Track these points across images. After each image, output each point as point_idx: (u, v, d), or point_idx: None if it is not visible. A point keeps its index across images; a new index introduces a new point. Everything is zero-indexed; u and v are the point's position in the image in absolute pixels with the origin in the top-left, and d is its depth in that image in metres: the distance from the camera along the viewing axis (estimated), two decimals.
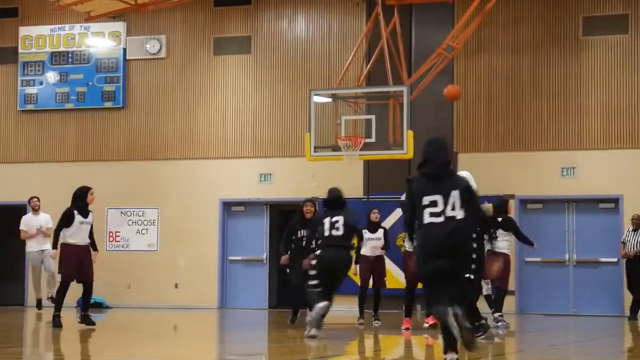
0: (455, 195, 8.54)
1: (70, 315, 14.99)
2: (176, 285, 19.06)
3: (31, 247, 17.66)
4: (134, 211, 19.49)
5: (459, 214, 8.54)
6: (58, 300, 14.50)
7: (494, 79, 18.18)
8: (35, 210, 17.67)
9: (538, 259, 17.11)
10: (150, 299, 18.99)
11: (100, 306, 14.85)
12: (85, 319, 14.45)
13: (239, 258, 18.99)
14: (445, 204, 8.55)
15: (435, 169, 8.67)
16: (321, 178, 17.97)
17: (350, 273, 16.54)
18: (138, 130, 19.69)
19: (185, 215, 19.18)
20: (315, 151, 16.60)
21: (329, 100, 16.97)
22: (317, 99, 16.77)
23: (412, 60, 17.93)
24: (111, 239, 19.21)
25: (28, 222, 17.68)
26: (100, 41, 19.92)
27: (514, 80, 18.12)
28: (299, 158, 17.53)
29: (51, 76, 20.13)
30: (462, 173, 12.22)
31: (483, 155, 17.80)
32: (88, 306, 14.55)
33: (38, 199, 17.74)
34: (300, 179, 18.33)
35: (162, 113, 19.64)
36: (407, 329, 13.81)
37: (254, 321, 14.17)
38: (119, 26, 19.81)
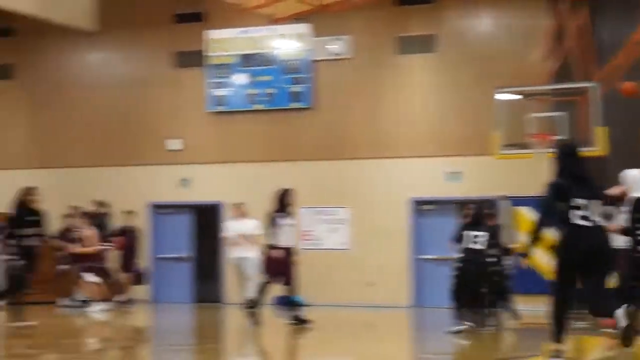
0: (596, 203, 9.56)
1: (269, 313, 15.46)
2: (369, 284, 19.33)
3: (232, 253, 17.50)
4: (325, 210, 19.86)
5: (600, 220, 9.57)
6: (257, 299, 14.99)
7: None
8: (240, 217, 17.43)
9: None
10: (342, 297, 19.39)
11: (296, 304, 15.24)
12: (298, 318, 14.86)
13: (431, 257, 19.17)
14: (591, 209, 9.53)
15: (578, 175, 9.65)
16: (507, 176, 17.92)
17: (546, 272, 16.50)
18: (326, 130, 20.10)
19: (376, 213, 19.56)
20: (503, 149, 16.56)
21: (516, 97, 16.91)
22: (502, 97, 16.74)
23: (598, 55, 17.63)
24: (305, 237, 19.61)
25: (229, 228, 17.64)
26: (286, 43, 20.33)
27: None
28: (485, 156, 17.52)
29: (241, 78, 20.60)
30: (634, 172, 12.08)
31: None
32: (294, 305, 14.96)
33: (244, 204, 17.58)
34: (487, 177, 18.38)
35: (348, 113, 19.99)
36: (607, 328, 13.67)
37: (447, 320, 14.29)
38: (304, 27, 20.16)
